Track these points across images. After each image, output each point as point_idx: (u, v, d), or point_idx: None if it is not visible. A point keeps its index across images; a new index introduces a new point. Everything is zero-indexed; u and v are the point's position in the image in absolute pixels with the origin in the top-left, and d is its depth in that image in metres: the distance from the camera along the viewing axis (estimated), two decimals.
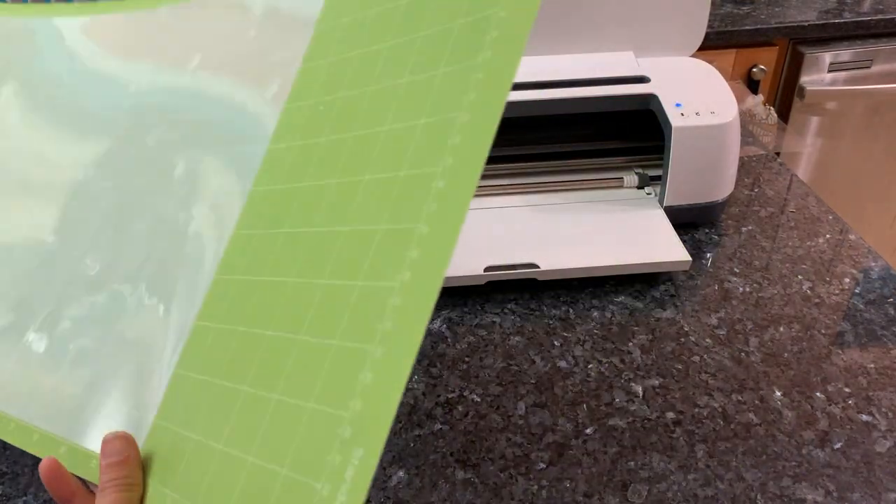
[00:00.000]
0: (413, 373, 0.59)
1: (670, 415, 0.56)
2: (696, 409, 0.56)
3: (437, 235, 0.26)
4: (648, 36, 0.76)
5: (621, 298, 0.67)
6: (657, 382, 0.58)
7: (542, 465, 0.52)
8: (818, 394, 0.57)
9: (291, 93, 0.39)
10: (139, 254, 0.40)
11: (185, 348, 0.35)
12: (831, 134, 1.49)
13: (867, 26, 1.38)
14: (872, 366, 0.60)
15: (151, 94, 0.45)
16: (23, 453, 0.52)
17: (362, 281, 0.28)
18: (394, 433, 0.55)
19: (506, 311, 0.65)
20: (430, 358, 0.61)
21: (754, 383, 0.58)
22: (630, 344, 0.62)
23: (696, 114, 0.69)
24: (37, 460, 0.35)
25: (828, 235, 0.75)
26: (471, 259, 0.67)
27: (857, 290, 0.68)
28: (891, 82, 1.44)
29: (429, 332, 0.63)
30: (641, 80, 0.73)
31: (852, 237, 0.74)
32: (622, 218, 0.72)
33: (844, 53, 1.40)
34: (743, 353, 0.61)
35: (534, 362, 0.60)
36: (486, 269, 0.66)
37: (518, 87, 0.72)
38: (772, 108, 1.39)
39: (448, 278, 0.65)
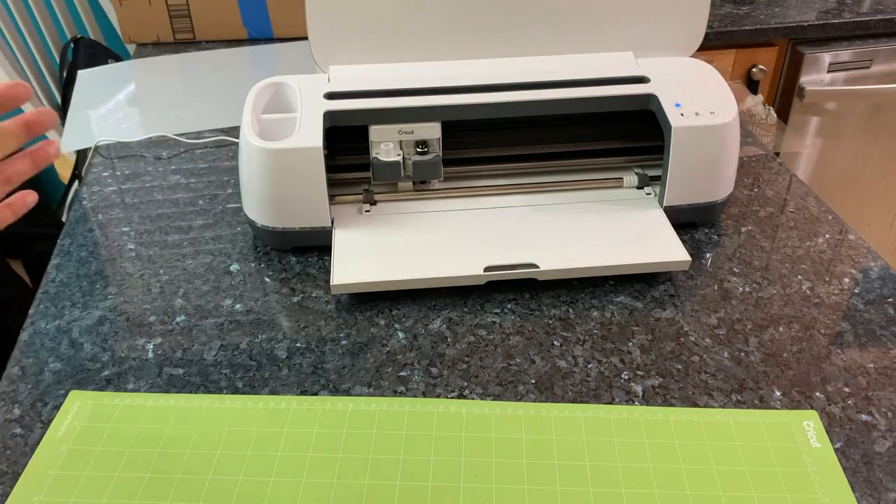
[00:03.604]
0: (413, 373, 0.59)
1: None
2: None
3: None
4: (648, 36, 0.76)
5: (621, 298, 0.67)
6: (657, 382, 0.58)
7: None
8: (818, 394, 0.57)
9: None
10: None
11: None
12: (831, 134, 1.49)
13: (867, 26, 1.38)
14: (872, 366, 0.60)
15: None
16: (23, 453, 0.52)
17: None
18: None
19: (506, 311, 0.65)
20: (430, 358, 0.61)
21: (754, 383, 0.58)
22: (630, 344, 0.62)
23: (696, 114, 0.70)
24: None
25: (827, 235, 0.75)
26: (471, 259, 0.67)
27: (856, 290, 0.68)
28: (891, 82, 1.44)
29: (429, 332, 0.63)
30: (641, 80, 0.73)
31: (852, 237, 0.74)
32: (622, 218, 0.72)
33: (844, 53, 1.40)
34: (742, 353, 0.61)
35: (534, 362, 0.60)
36: (486, 269, 0.66)
37: (518, 87, 0.72)
38: (771, 108, 1.40)
39: (448, 278, 0.65)
